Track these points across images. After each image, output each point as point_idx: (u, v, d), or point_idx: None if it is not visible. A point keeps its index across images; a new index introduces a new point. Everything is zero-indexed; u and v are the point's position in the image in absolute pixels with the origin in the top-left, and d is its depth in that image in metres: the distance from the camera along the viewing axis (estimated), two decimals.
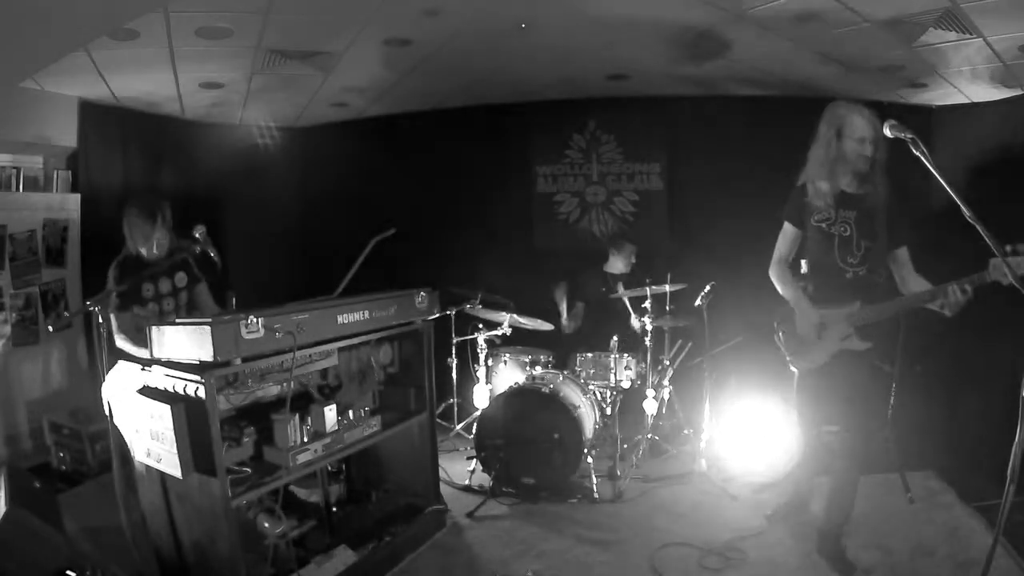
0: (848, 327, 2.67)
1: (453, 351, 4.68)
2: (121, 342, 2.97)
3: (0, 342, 4.11)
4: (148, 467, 2.51)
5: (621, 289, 4.51)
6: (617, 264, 4.80)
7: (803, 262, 2.94)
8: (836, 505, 2.80)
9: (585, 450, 3.66)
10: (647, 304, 4.10)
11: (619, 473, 3.75)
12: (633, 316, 4.49)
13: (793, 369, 2.90)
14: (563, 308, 4.72)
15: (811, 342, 2.77)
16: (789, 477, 3.24)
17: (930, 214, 4.49)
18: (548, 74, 4.69)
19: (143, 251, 3.05)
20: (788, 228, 2.87)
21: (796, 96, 4.79)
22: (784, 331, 2.90)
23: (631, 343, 4.31)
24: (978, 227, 1.97)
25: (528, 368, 4.25)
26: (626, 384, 4.18)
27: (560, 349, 4.56)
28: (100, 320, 2.40)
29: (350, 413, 2.88)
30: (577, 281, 4.87)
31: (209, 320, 2.26)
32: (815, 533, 2.90)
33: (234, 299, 3.59)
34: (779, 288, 2.90)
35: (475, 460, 3.85)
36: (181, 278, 3.21)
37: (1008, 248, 2.13)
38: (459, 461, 4.16)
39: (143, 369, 2.52)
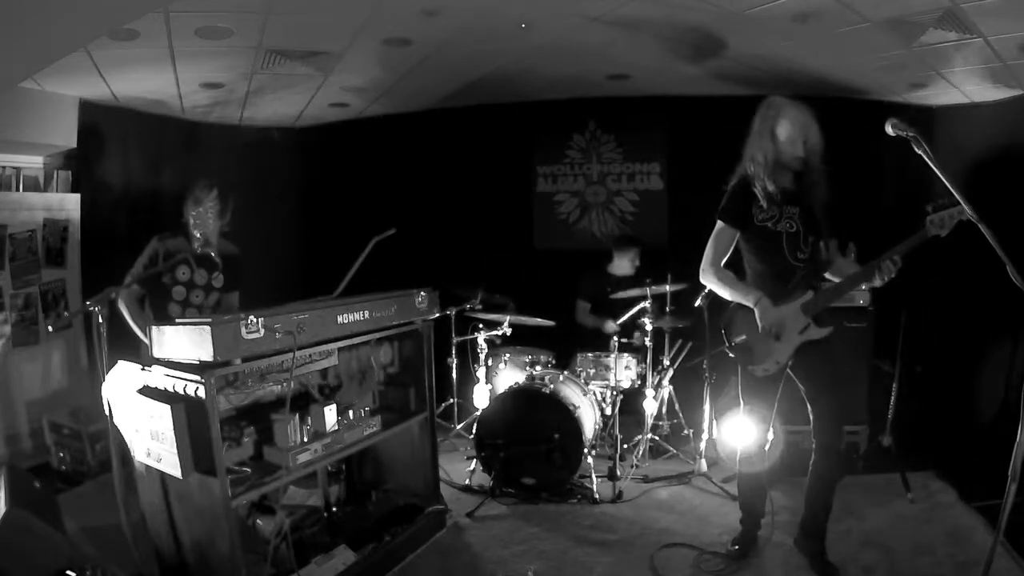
0: (805, 318, 2.65)
1: (453, 351, 4.68)
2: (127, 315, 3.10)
3: (0, 342, 4.11)
4: (148, 467, 2.51)
5: (629, 292, 4.48)
6: (622, 265, 4.79)
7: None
8: (817, 503, 2.79)
9: (585, 450, 3.66)
10: (647, 304, 4.10)
11: (619, 473, 3.75)
12: (608, 321, 4.48)
13: (759, 375, 2.76)
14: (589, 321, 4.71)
15: (771, 343, 2.68)
16: (743, 496, 3.03)
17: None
18: (548, 74, 4.69)
19: (193, 216, 3.15)
20: (724, 229, 2.76)
21: (796, 96, 4.77)
22: (738, 342, 2.76)
23: (604, 342, 4.27)
24: (979, 225, 1.98)
25: (528, 368, 4.24)
26: (626, 384, 4.18)
27: (560, 349, 4.56)
28: (100, 320, 2.40)
29: (350, 413, 2.88)
30: (580, 281, 4.87)
31: (209, 320, 2.27)
32: (797, 528, 2.89)
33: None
34: (723, 291, 2.78)
35: (475, 460, 3.85)
36: (219, 278, 3.26)
37: (929, 207, 2.34)
38: (459, 461, 4.16)
39: (143, 369, 2.52)
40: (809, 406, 2.76)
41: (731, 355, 2.83)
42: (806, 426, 2.80)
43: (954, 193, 2.04)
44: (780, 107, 2.68)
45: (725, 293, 2.79)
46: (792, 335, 2.68)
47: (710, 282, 2.82)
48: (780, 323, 2.66)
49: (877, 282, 2.55)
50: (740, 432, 2.91)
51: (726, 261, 2.80)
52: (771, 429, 2.88)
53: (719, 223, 2.78)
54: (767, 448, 2.88)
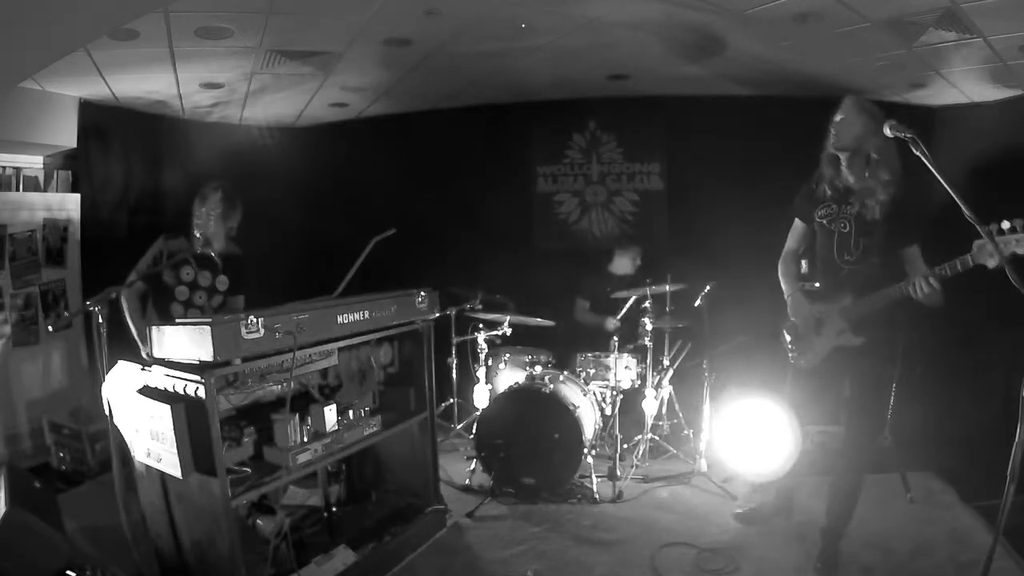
0: (842, 322, 2.66)
1: (453, 351, 4.68)
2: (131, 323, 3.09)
3: (0, 342, 4.11)
4: (148, 467, 2.51)
5: (626, 291, 4.48)
6: (623, 265, 4.79)
7: (803, 261, 2.96)
8: (838, 506, 2.81)
9: (585, 450, 3.66)
10: (648, 303, 4.10)
11: (619, 473, 3.75)
12: (608, 318, 4.48)
13: (793, 365, 2.90)
14: (592, 319, 4.73)
15: (810, 338, 2.78)
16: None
17: (929, 214, 4.49)
18: (548, 74, 4.69)
19: (196, 216, 3.16)
20: (796, 223, 2.92)
21: (796, 96, 4.79)
22: (787, 328, 2.91)
23: (604, 342, 4.26)
24: (978, 227, 1.97)
25: (528, 368, 4.24)
26: (626, 384, 4.18)
27: (560, 349, 4.56)
28: (100, 320, 2.40)
29: (350, 413, 2.88)
30: (580, 280, 4.87)
31: (209, 320, 2.27)
32: (818, 534, 2.89)
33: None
34: (780, 282, 2.94)
35: (475, 460, 3.85)
36: (223, 281, 3.25)
37: (994, 227, 2.08)
38: (459, 461, 4.16)
39: (143, 369, 2.52)
40: (836, 407, 2.86)
41: (782, 335, 2.93)
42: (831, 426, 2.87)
43: (952, 195, 2.04)
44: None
45: (783, 286, 2.94)
46: (830, 335, 2.71)
47: (779, 272, 2.97)
48: (811, 321, 2.75)
49: (929, 303, 2.44)
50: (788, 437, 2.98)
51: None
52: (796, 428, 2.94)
53: (795, 218, 2.93)
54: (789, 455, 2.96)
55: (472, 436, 4.02)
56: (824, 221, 2.74)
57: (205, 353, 2.24)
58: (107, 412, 2.52)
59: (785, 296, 2.88)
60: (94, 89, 4.27)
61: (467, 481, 3.84)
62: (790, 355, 2.90)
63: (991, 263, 2.13)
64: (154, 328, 2.44)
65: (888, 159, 2.53)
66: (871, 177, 2.58)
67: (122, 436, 2.55)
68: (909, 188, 2.59)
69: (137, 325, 3.10)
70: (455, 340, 4.66)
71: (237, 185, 3.36)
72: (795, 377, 2.90)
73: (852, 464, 2.79)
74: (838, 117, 2.63)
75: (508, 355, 4.40)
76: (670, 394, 4.46)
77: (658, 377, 4.31)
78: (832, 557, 2.79)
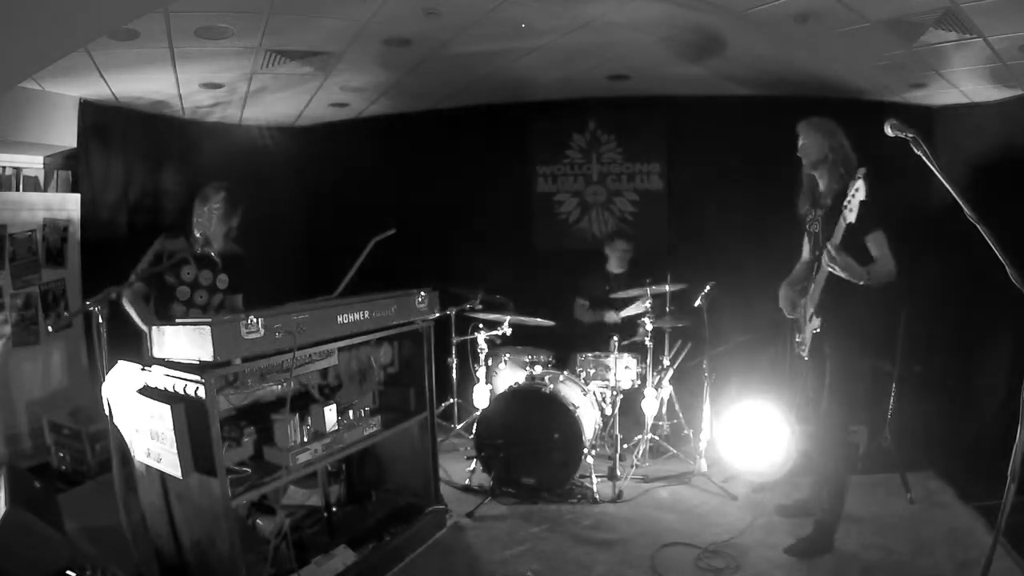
0: (811, 307, 2.93)
1: (453, 351, 4.68)
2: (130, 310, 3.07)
3: (0, 342, 4.11)
4: (148, 467, 2.51)
5: (625, 291, 4.47)
6: (616, 262, 4.79)
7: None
8: (827, 499, 2.92)
9: (585, 450, 3.66)
10: (648, 304, 4.10)
11: (619, 473, 3.75)
12: (610, 312, 4.48)
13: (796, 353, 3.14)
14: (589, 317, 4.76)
15: (804, 328, 3.03)
16: (805, 477, 3.35)
17: (930, 214, 4.50)
18: (548, 74, 4.69)
19: (197, 215, 3.16)
20: (805, 237, 3.18)
21: (796, 96, 4.79)
22: (794, 325, 3.15)
23: (604, 342, 4.26)
24: (978, 227, 1.97)
25: (528, 368, 4.24)
26: (626, 384, 4.17)
27: (560, 349, 4.56)
28: (100, 320, 2.40)
29: (350, 413, 2.88)
30: (579, 280, 4.87)
31: (209, 320, 2.27)
32: (812, 525, 2.94)
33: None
34: None
35: (475, 460, 3.85)
36: (224, 280, 3.25)
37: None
38: (459, 461, 4.16)
39: (143, 369, 2.52)
40: (814, 398, 3.01)
41: (795, 336, 3.18)
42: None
43: (953, 194, 2.03)
44: None
45: None
46: (808, 324, 2.96)
47: None
48: (792, 307, 3.11)
49: (844, 274, 2.66)
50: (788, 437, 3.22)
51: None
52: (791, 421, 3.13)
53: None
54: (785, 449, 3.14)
55: (472, 436, 4.02)
56: (808, 227, 3.07)
57: (205, 353, 2.24)
58: (107, 412, 2.52)
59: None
60: (94, 89, 4.27)
61: (467, 481, 3.84)
62: (795, 348, 3.11)
63: (850, 216, 2.54)
64: (154, 328, 2.44)
65: (842, 156, 2.83)
66: (831, 175, 2.88)
67: (122, 436, 2.54)
68: (869, 179, 2.65)
69: (146, 321, 3.06)
70: (455, 340, 4.66)
71: (237, 185, 3.36)
72: (801, 371, 3.11)
73: (828, 454, 2.94)
74: (800, 143, 2.95)
75: (508, 355, 4.40)
76: (670, 394, 4.46)
77: (658, 377, 4.30)
78: (816, 544, 2.88)
